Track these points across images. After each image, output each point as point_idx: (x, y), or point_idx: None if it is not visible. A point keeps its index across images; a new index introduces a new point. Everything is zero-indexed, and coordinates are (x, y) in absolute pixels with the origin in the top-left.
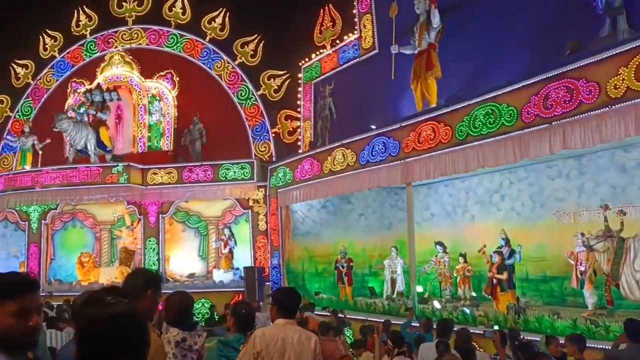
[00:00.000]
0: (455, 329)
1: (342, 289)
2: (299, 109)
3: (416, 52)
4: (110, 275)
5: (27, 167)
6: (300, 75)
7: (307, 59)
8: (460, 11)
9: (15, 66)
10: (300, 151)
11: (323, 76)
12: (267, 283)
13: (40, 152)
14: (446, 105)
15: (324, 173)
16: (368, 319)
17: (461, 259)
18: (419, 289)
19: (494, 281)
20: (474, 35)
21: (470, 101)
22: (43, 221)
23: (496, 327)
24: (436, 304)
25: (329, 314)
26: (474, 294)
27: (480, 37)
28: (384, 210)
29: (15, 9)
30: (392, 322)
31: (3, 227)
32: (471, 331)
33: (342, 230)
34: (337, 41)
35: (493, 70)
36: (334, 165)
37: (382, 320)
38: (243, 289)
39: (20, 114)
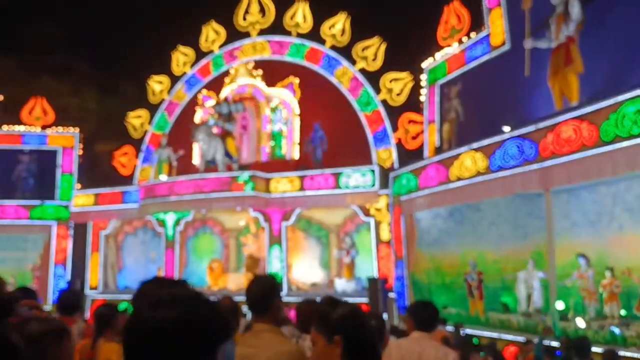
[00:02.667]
0: (600, 350)
1: (472, 303)
2: (422, 112)
3: (553, 46)
4: (238, 281)
5: (164, 178)
6: (423, 76)
7: (431, 60)
8: (601, 0)
9: (151, 83)
10: (424, 157)
11: (449, 76)
12: (390, 294)
13: (174, 164)
14: (589, 103)
15: (451, 179)
16: (501, 336)
17: (608, 273)
18: (560, 305)
19: None
20: (617, 25)
21: (618, 97)
22: (177, 228)
23: None
24: (579, 322)
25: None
26: (623, 312)
27: (625, 27)
28: (518, 218)
29: (151, 28)
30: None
31: (143, 234)
32: (620, 353)
33: (472, 240)
34: (464, 39)
35: None
36: (462, 171)
37: (523, 340)
38: (366, 300)
39: (157, 127)
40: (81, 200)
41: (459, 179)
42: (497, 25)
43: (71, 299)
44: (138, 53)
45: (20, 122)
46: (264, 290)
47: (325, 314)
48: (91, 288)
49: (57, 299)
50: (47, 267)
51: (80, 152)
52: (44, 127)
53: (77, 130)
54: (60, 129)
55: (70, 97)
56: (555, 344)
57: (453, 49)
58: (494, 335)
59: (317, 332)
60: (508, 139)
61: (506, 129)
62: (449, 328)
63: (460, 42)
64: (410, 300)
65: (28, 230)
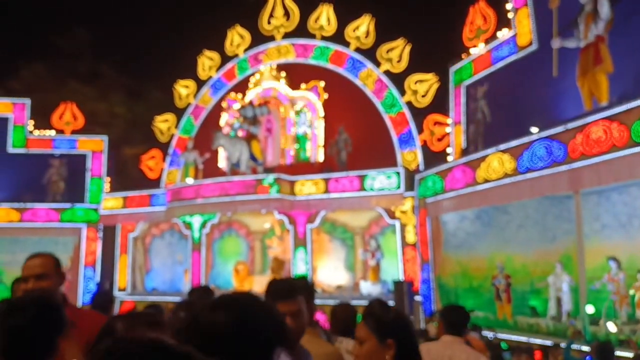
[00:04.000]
0: (630, 355)
1: (499, 307)
2: (448, 114)
3: (582, 45)
4: (263, 283)
5: (190, 181)
6: (449, 78)
7: (456, 61)
8: None
9: (178, 87)
10: (450, 158)
11: (475, 77)
12: (416, 297)
13: (200, 167)
14: (619, 103)
15: (477, 181)
16: (530, 340)
17: None
18: (590, 309)
19: None
20: None
21: None
22: (203, 230)
23: None
24: (610, 327)
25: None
26: None
27: None
28: (547, 221)
29: (177, 33)
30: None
31: (170, 236)
32: None
33: (499, 243)
34: (490, 39)
35: None
36: (489, 172)
37: (550, 344)
38: (392, 303)
39: (183, 131)
40: (110, 203)
41: (486, 181)
42: (523, 25)
43: (104, 300)
44: (164, 58)
45: (50, 127)
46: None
47: (380, 315)
48: (120, 289)
49: (91, 300)
50: (77, 269)
51: (109, 156)
52: (73, 132)
53: (105, 134)
54: (89, 133)
55: (99, 102)
56: (585, 348)
57: (479, 49)
58: (523, 339)
59: (370, 332)
60: (536, 140)
61: (534, 130)
62: (473, 334)
63: (486, 42)
64: (437, 303)
65: (59, 232)
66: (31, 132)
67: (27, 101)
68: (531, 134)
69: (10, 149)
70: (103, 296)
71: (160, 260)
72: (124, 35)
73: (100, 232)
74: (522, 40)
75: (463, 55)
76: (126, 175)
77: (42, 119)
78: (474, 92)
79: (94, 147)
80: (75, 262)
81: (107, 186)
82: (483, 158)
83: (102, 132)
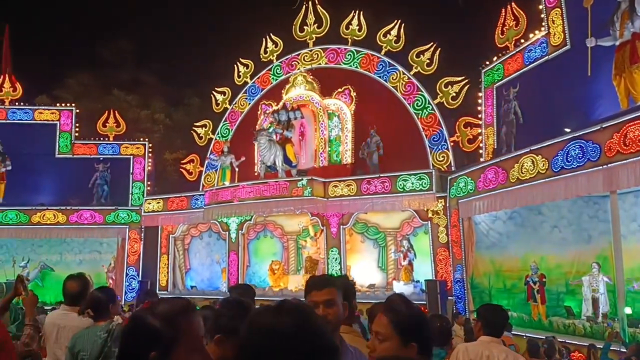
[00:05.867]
0: None
1: (533, 307)
2: (479, 115)
3: (617, 43)
4: (298, 282)
5: (227, 183)
6: (480, 79)
7: (487, 63)
8: None
9: (215, 93)
10: (482, 159)
11: (506, 79)
12: (449, 297)
13: (236, 170)
14: None
15: (510, 182)
16: (566, 341)
17: None
18: (628, 310)
19: None
20: None
21: None
22: (240, 231)
23: None
24: None
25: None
26: None
27: None
28: (582, 221)
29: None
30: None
31: (208, 237)
32: None
33: (533, 243)
34: (522, 40)
35: None
36: (522, 173)
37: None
38: (425, 302)
39: (219, 135)
40: (151, 205)
41: (519, 181)
42: (556, 25)
43: (151, 299)
44: (202, 66)
45: (95, 133)
46: (345, 292)
47: (404, 316)
48: (161, 288)
49: (138, 300)
50: (120, 269)
51: (150, 161)
52: (116, 138)
53: (146, 140)
54: (131, 139)
55: (140, 109)
56: (623, 350)
57: (510, 50)
58: (559, 339)
59: (392, 330)
60: (570, 140)
61: (567, 130)
62: (506, 333)
63: (517, 43)
64: (470, 303)
65: (103, 234)
66: (77, 138)
67: (73, 109)
68: (565, 134)
69: (58, 155)
70: (151, 296)
71: (199, 260)
72: (164, 45)
73: (142, 233)
74: (554, 40)
75: (494, 57)
76: (166, 179)
77: (87, 125)
78: (506, 93)
79: (136, 152)
80: (119, 262)
81: (148, 189)
82: (516, 159)
83: (143, 138)
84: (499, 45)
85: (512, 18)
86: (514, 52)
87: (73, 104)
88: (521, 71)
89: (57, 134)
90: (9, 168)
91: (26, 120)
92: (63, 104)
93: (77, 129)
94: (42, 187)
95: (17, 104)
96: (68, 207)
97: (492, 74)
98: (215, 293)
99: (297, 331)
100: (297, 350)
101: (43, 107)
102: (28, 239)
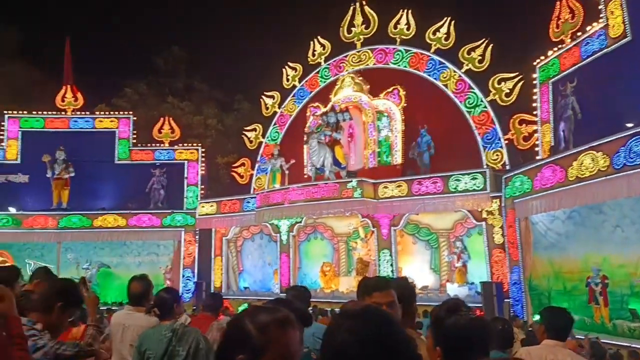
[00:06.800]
0: None
1: (596, 310)
2: (535, 112)
3: None
4: (349, 284)
5: (277, 186)
6: (535, 75)
7: (542, 57)
8: None
9: (264, 98)
10: (538, 157)
11: (563, 73)
12: (506, 300)
13: (286, 172)
14: None
15: (569, 180)
16: (632, 345)
17: None
18: None
19: None
20: None
21: None
22: (291, 233)
23: None
24: None
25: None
26: None
27: None
28: None
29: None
30: None
31: (259, 239)
32: None
33: (594, 243)
34: (578, 33)
35: None
36: (582, 171)
37: None
38: (480, 305)
39: (269, 139)
40: (205, 208)
41: (578, 179)
42: (615, 16)
43: (215, 301)
44: (251, 72)
45: (151, 140)
46: (402, 294)
47: (439, 318)
48: (215, 289)
49: (204, 302)
50: (177, 270)
51: (203, 165)
52: (171, 143)
53: (199, 145)
54: (185, 144)
55: (193, 115)
56: None
57: (566, 44)
58: (624, 344)
59: (429, 332)
60: (632, 135)
61: (629, 125)
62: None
63: (573, 36)
64: (528, 306)
65: (160, 236)
66: (134, 144)
67: (131, 116)
68: (627, 129)
69: (117, 161)
70: (215, 298)
71: (251, 262)
72: (215, 52)
73: (197, 236)
74: (614, 32)
75: (549, 51)
76: (218, 182)
77: (143, 132)
78: (562, 89)
79: (190, 156)
80: (176, 263)
81: (201, 193)
82: (574, 156)
83: (196, 143)
84: (553, 39)
85: (568, 11)
86: (570, 45)
87: (130, 112)
88: (578, 65)
89: (116, 141)
90: (72, 175)
91: (87, 128)
92: (121, 112)
93: (134, 136)
94: (102, 193)
95: (78, 113)
96: (127, 211)
97: (548, 69)
98: (267, 294)
99: (377, 338)
100: (376, 357)
101: (103, 116)
102: (91, 242)
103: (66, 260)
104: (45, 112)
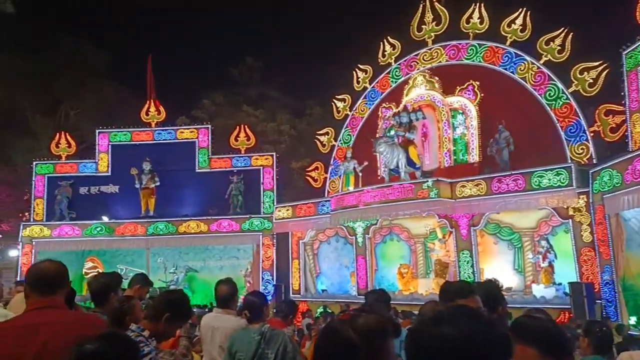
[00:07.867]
0: None
1: None
2: (622, 102)
3: None
4: (428, 286)
5: (351, 188)
6: (621, 63)
7: (628, 44)
8: None
9: (335, 101)
10: (629, 149)
11: None
12: (598, 301)
13: (360, 174)
14: None
15: None
16: None
17: None
18: None
19: None
20: None
21: None
22: (366, 235)
23: None
24: None
25: None
26: None
27: None
28: None
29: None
30: None
31: (335, 242)
32: None
33: None
34: None
35: None
36: None
37: None
38: (569, 307)
39: (342, 142)
40: (281, 213)
41: None
42: None
43: (290, 307)
44: (322, 76)
45: (229, 148)
46: (487, 298)
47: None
48: (294, 292)
49: (277, 306)
50: (256, 273)
51: (278, 170)
52: (247, 150)
53: (274, 151)
54: (260, 151)
55: (267, 122)
56: None
57: None
58: None
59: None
60: None
61: None
62: None
63: None
64: (622, 307)
65: (240, 241)
66: (213, 153)
67: (209, 126)
68: None
69: (198, 169)
70: (288, 305)
71: (328, 264)
72: (286, 59)
73: (274, 239)
74: None
75: (637, 36)
76: (293, 187)
77: (221, 141)
78: None
79: (265, 162)
80: (255, 267)
81: (277, 197)
82: None
83: (271, 149)
84: None
85: None
86: None
87: (208, 122)
88: None
89: (197, 150)
90: (158, 184)
91: (170, 140)
92: (200, 123)
93: (213, 145)
94: (185, 200)
95: (161, 126)
96: (209, 217)
97: (636, 55)
98: (345, 297)
99: (460, 342)
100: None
101: (183, 127)
102: (176, 247)
103: (155, 264)
104: (131, 126)
